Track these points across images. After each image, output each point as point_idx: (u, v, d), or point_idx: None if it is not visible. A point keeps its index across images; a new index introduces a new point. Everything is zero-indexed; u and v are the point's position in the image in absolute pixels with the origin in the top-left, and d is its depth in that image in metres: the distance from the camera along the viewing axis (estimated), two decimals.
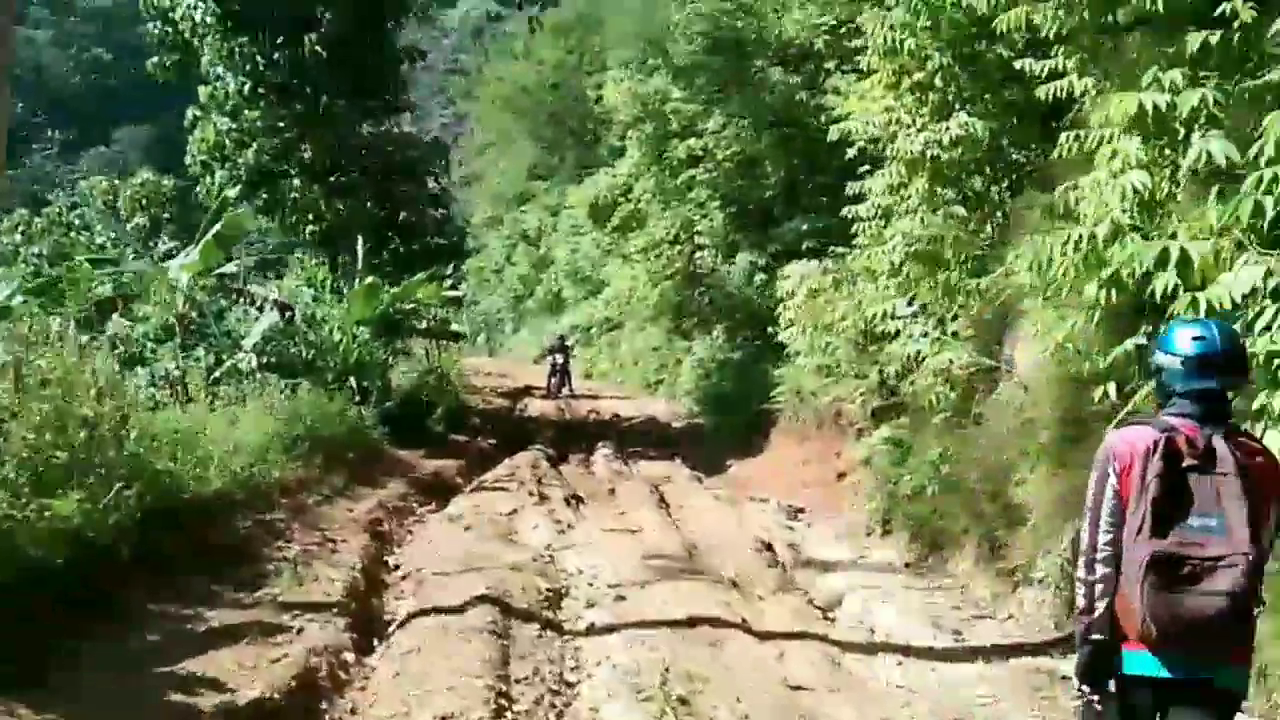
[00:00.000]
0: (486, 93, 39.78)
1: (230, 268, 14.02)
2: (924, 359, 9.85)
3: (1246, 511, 3.09)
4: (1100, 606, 3.25)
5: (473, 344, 26.70)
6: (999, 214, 10.48)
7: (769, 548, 9.67)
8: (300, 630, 6.31)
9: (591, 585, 8.04)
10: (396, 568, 9.04)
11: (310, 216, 18.79)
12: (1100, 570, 3.25)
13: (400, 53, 18.78)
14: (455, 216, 20.74)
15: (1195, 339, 3.30)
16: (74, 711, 4.91)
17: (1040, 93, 9.47)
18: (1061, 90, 9.68)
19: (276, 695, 5.11)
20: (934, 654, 6.41)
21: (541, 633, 6.53)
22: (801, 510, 12.03)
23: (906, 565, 9.13)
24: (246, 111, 17.84)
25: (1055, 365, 7.60)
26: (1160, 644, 3.15)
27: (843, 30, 18.08)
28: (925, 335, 9.79)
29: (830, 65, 18.12)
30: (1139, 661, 3.22)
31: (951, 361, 9.04)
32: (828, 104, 17.45)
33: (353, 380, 14.90)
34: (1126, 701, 3.27)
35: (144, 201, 24.20)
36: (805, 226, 17.33)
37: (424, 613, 6.80)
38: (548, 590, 7.71)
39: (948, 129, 10.28)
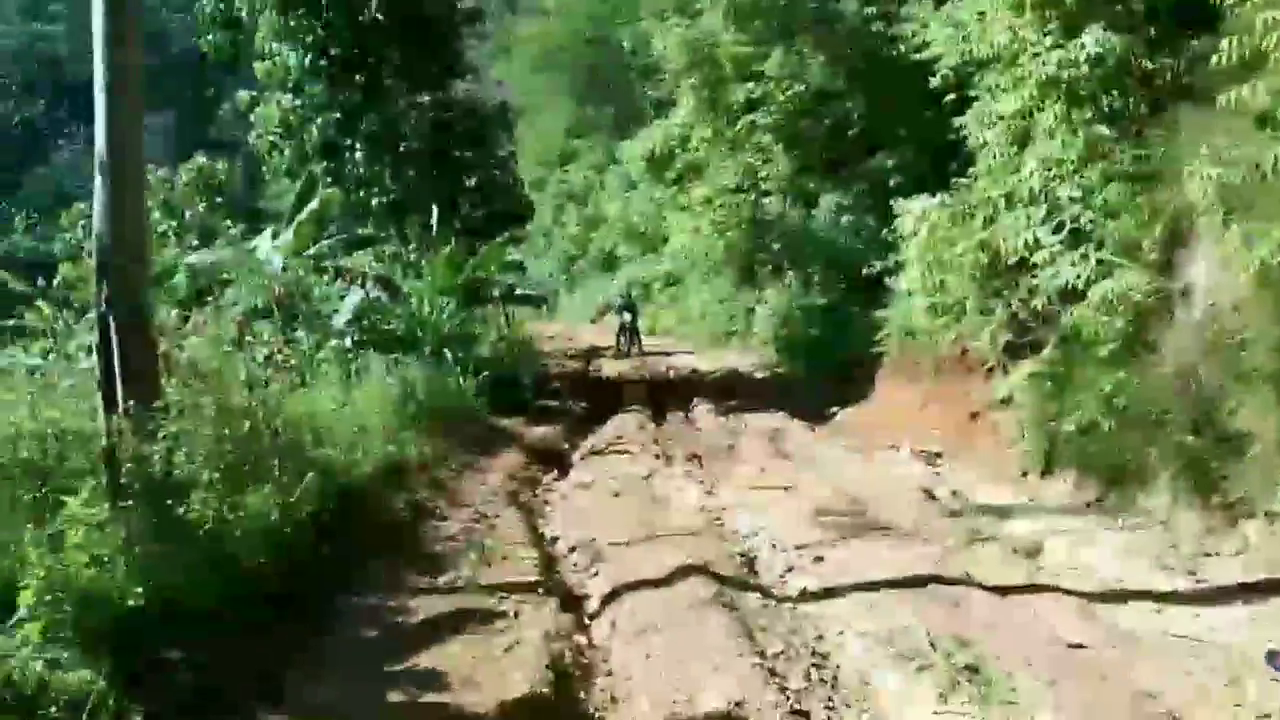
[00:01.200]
0: (519, 53, 39.12)
1: (322, 246, 13.69)
2: (1078, 288, 9.40)
3: None
4: None
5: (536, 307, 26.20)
6: (1143, 131, 9.97)
7: (932, 496, 9.28)
8: (516, 614, 6.02)
9: (775, 547, 7.70)
10: (554, 540, 8.75)
11: (376, 189, 18.40)
12: None
13: (460, 15, 18.25)
14: (520, 180, 20.26)
15: None
16: None
17: None
18: None
19: (544, 689, 4.79)
20: (1183, 598, 6.05)
21: (766, 602, 6.19)
22: (938, 455, 11.62)
23: (1088, 505, 8.72)
24: (308, 86, 17.41)
25: (1257, 285, 7.14)
26: None
27: None
28: (1080, 262, 9.30)
29: None
30: None
31: (1128, 288, 8.55)
32: (903, 33, 16.93)
33: (447, 351, 14.64)
34: None
35: (201, 186, 23.85)
36: (891, 163, 16.79)
37: (629, 587, 6.48)
38: (739, 555, 7.37)
39: (1082, 46, 9.76)
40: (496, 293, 19.05)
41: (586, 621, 6.27)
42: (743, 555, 7.44)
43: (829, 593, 6.36)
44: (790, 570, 7.06)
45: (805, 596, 6.43)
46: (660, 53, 24.29)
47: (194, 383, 6.61)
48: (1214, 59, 7.95)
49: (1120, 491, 8.64)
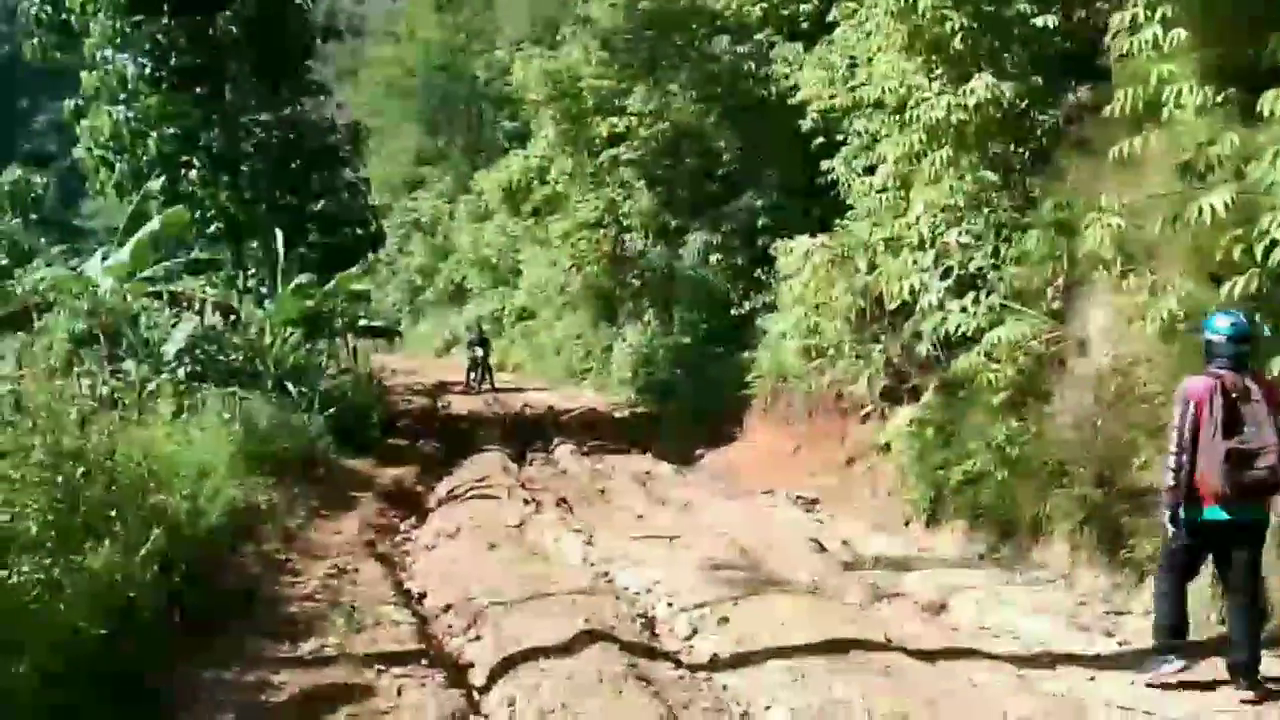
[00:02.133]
0: (369, 75, 37.84)
1: (158, 269, 12.50)
2: (967, 334, 9.27)
3: (1271, 420, 5.18)
4: (1182, 480, 5.28)
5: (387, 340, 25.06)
6: (1028, 179, 9.99)
7: (821, 547, 8.91)
8: (399, 691, 5.26)
9: (671, 605, 7.15)
10: (422, 597, 7.96)
11: (213, 210, 17.13)
12: (1184, 460, 5.26)
13: (315, 30, 17.24)
14: (372, 207, 19.29)
15: (1231, 323, 5.39)
16: None
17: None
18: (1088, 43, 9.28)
19: None
20: (1110, 662, 5.79)
21: (680, 673, 5.61)
22: (815, 501, 11.34)
23: (980, 557, 8.52)
24: (144, 97, 16.09)
25: (1160, 338, 7.04)
26: (1229, 501, 5.19)
27: None
28: (971, 308, 9.16)
29: (773, 36, 17.55)
30: (1214, 513, 5.27)
31: (1024, 336, 8.42)
32: (775, 74, 16.94)
33: (290, 385, 13.61)
34: (1201, 538, 5.37)
35: (13, 202, 21.81)
36: (761, 203, 16.65)
37: (524, 656, 5.79)
38: (636, 617, 6.78)
39: (972, 91, 9.72)
40: (342, 323, 18.03)
41: (476, 697, 5.55)
42: (641, 616, 6.84)
43: (744, 659, 5.84)
44: (695, 633, 6.51)
45: (718, 664, 5.89)
46: (519, 83, 23.76)
47: (18, 420, 5.63)
48: (1106, 109, 7.96)
49: (1013, 544, 8.47)
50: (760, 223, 16.60)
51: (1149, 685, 5.33)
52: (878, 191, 11.38)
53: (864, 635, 6.15)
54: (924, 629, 6.52)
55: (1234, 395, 5.22)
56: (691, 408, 17.28)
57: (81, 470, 5.89)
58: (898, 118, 11.10)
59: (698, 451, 15.46)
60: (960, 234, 9.62)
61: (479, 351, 24.21)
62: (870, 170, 13.30)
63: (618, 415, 19.89)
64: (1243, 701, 5.11)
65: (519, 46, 29.04)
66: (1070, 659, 5.86)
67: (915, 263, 9.97)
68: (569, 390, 23.55)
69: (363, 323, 19.96)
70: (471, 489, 12.35)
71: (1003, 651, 6.06)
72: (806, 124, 15.08)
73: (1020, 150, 10.07)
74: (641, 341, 20.49)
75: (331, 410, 13.64)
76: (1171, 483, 5.31)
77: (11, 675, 4.16)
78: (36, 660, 4.30)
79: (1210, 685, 5.31)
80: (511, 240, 28.66)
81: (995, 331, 8.77)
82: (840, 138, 14.34)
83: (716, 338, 17.54)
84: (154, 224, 11.33)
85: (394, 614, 6.73)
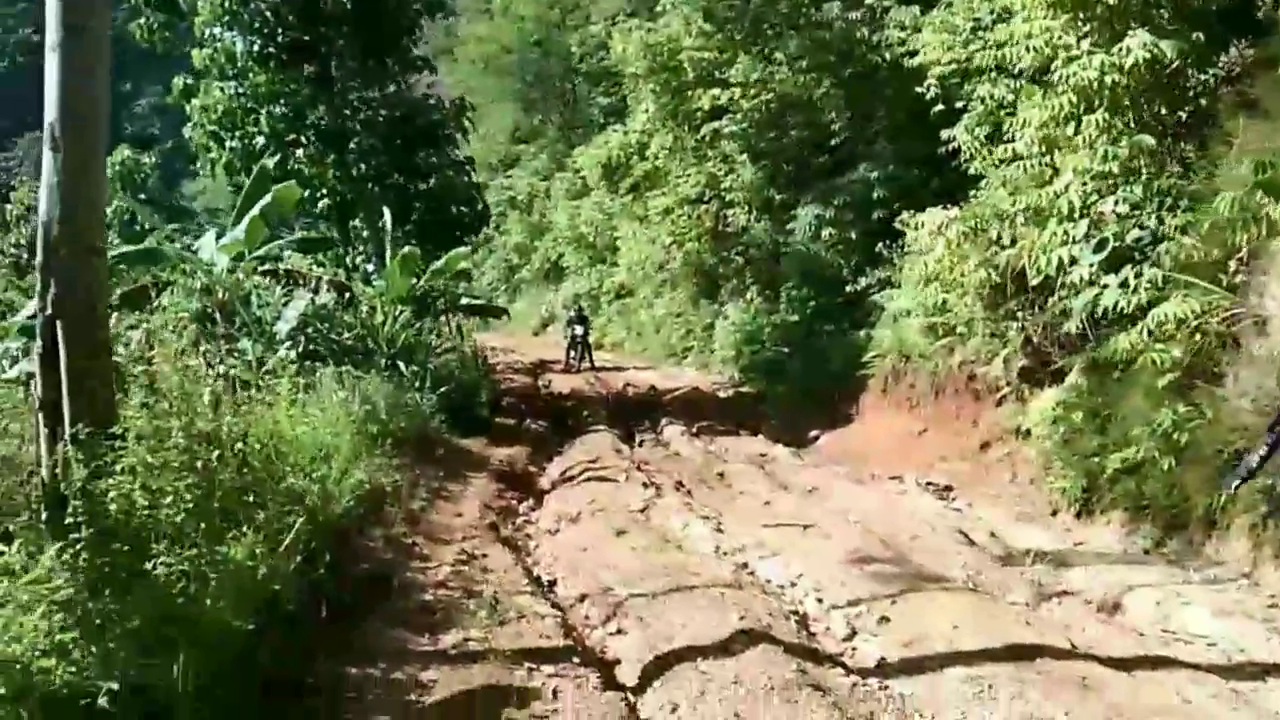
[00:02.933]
0: (464, 53, 37.77)
1: (273, 248, 12.42)
2: (1125, 311, 8.63)
3: None
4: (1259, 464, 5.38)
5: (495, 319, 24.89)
6: (1189, 143, 9.28)
7: (968, 539, 8.40)
8: (555, 694, 4.95)
9: (821, 602, 6.74)
10: (551, 584, 7.68)
11: (323, 188, 17.09)
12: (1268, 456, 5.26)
13: (421, 4, 17.04)
14: (478, 185, 19.11)
15: None
16: None
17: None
18: None
19: None
20: None
21: (854, 680, 5.20)
22: (949, 488, 10.77)
23: (1146, 552, 7.92)
24: (253, 75, 16.07)
25: None
26: None
27: None
28: (1133, 282, 8.52)
29: (886, 1, 16.84)
30: None
31: (1194, 312, 7.78)
32: (889, 39, 16.24)
33: (402, 365, 13.47)
34: None
35: (122, 182, 22.12)
36: (875, 175, 16.00)
37: (678, 656, 5.43)
38: (789, 614, 6.38)
39: (1128, 50, 9.04)
40: (450, 302, 17.88)
41: (631, 699, 5.21)
42: (793, 613, 6.44)
43: (916, 665, 5.41)
44: (854, 634, 6.09)
45: (888, 669, 5.47)
46: (618, 57, 23.36)
47: (154, 403, 5.43)
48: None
49: (1183, 538, 7.85)
50: (876, 195, 15.97)
51: None
52: (1013, 160, 10.71)
53: (1044, 640, 5.67)
54: (1107, 633, 6.00)
55: None
56: (801, 388, 16.77)
57: (216, 454, 5.69)
58: (1041, 80, 10.48)
59: (811, 433, 14.96)
60: (1117, 203, 8.97)
61: (579, 330, 23.95)
62: (994, 138, 12.67)
63: (722, 395, 19.47)
64: None
65: (615, 20, 28.67)
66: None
67: (1065, 234, 9.33)
68: (670, 369, 23.18)
69: (466, 301, 19.83)
70: (586, 471, 12.06)
71: (1201, 660, 5.52)
72: (927, 91, 14.41)
73: (1179, 112, 9.35)
74: (745, 319, 19.98)
75: (442, 389, 13.49)
76: (1255, 465, 5.43)
77: (168, 680, 3.91)
78: (191, 662, 4.07)
79: None
80: (609, 217, 28.34)
81: (1161, 308, 8.13)
82: (961, 105, 13.68)
83: (828, 315, 16.97)
84: (266, 200, 11.19)
85: (534, 605, 6.43)
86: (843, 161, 17.39)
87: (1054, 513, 9.37)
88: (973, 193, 11.76)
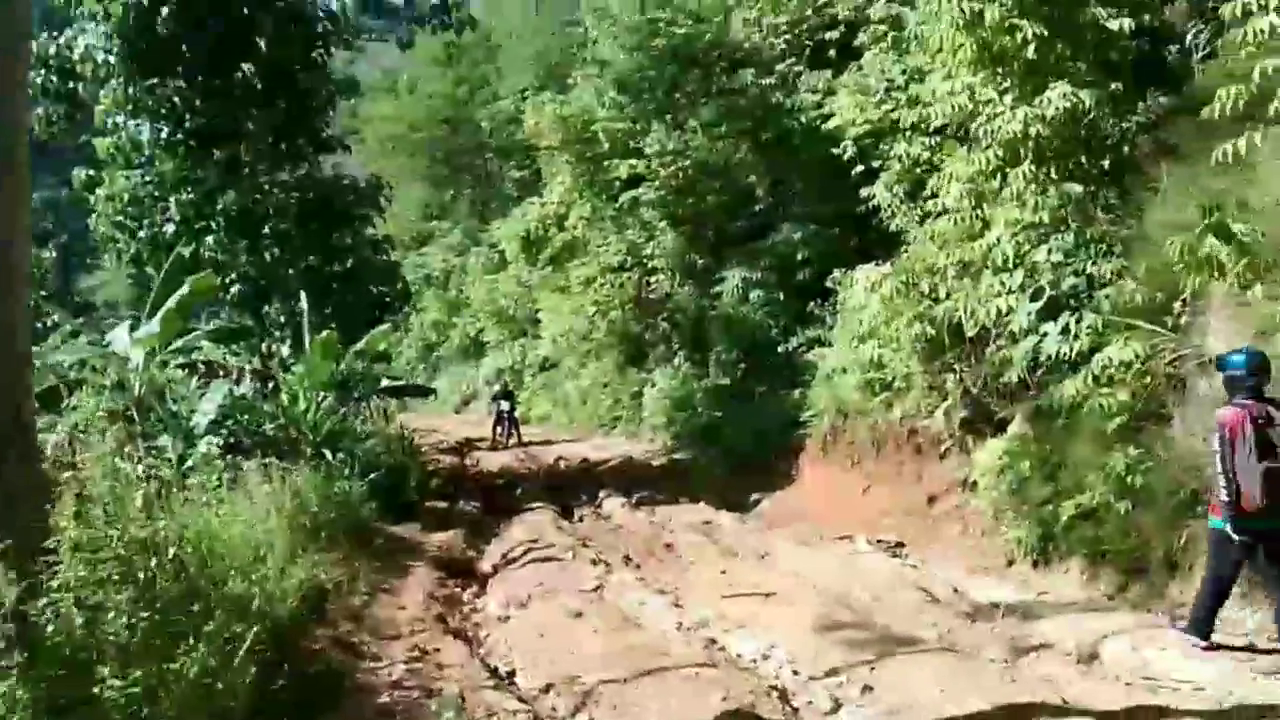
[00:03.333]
0: (371, 132, 37.46)
1: (190, 339, 11.92)
2: (1066, 358, 8.69)
3: None
4: (1232, 496, 6.06)
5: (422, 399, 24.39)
6: (1112, 191, 9.47)
7: (932, 596, 8.27)
8: None
9: (798, 674, 6.50)
10: (510, 676, 7.31)
11: (233, 274, 16.58)
12: (1233, 480, 6.03)
13: (334, 85, 16.78)
14: (397, 263, 18.77)
15: (1248, 358, 6.29)
16: None
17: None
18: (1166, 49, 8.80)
19: None
20: None
21: None
22: (900, 545, 10.68)
23: (1110, 598, 7.88)
24: (160, 163, 15.61)
25: None
26: (1263, 513, 5.98)
27: (803, 28, 17.20)
28: (1074, 328, 8.59)
29: (796, 66, 17.16)
30: (1254, 523, 6.05)
31: (1138, 355, 7.83)
32: (803, 103, 16.50)
33: (328, 453, 13.00)
34: (1244, 542, 6.11)
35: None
36: (799, 235, 16.12)
37: None
38: (770, 691, 6.13)
39: (1049, 102, 9.23)
40: (373, 385, 17.42)
41: None
42: (773, 688, 6.19)
43: None
44: (839, 706, 5.86)
45: None
46: (531, 131, 23.38)
47: (87, 512, 5.02)
48: (1204, 110, 7.49)
49: (1145, 582, 7.82)
50: (800, 256, 16.08)
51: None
52: (940, 215, 10.83)
53: (1033, 697, 5.52)
54: (1093, 685, 5.88)
55: (1260, 421, 6.11)
56: (736, 451, 16.61)
57: (155, 562, 5.28)
58: (960, 136, 10.67)
59: (753, 497, 14.79)
60: (1050, 251, 9.08)
61: (504, 405, 23.56)
62: (914, 195, 12.86)
63: (655, 463, 19.21)
64: None
65: (524, 95, 28.76)
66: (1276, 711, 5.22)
67: (1001, 285, 9.41)
68: (600, 440, 22.86)
69: (389, 383, 19.36)
70: (529, 551, 11.71)
71: (1194, 706, 5.43)
72: (844, 153, 14.62)
73: (1102, 161, 9.54)
74: (674, 385, 19.83)
75: (371, 476, 13.03)
76: (1226, 498, 6.11)
77: None
78: None
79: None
80: (528, 290, 28.15)
81: (1105, 352, 8.20)
82: (879, 164, 13.91)
83: (759, 377, 16.91)
84: (183, 290, 10.75)
85: (501, 701, 6.08)
86: (764, 224, 17.50)
87: (1009, 563, 9.31)
88: (901, 249, 11.86)
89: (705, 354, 19.15)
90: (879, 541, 10.86)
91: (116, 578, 4.70)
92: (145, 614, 4.71)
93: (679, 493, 15.71)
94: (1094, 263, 8.80)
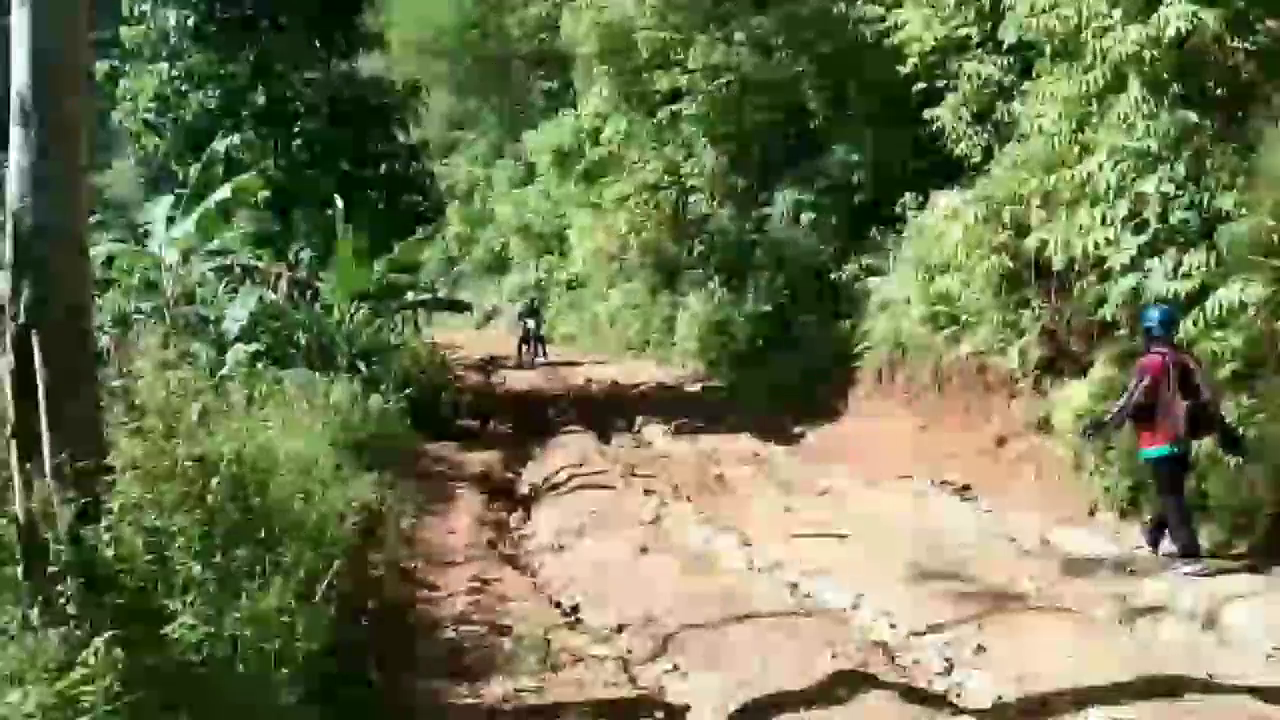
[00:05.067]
0: (398, 35, 36.13)
1: (227, 241, 11.34)
2: (1176, 297, 8.07)
3: (1207, 383, 6.98)
4: (1119, 420, 7.23)
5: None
6: (1232, 122, 8.75)
7: (1022, 547, 7.78)
8: None
9: (895, 628, 6.02)
10: (574, 610, 6.87)
11: (267, 175, 15.90)
12: (1125, 414, 7.12)
13: None
14: (432, 172, 18.03)
15: (1161, 314, 7.24)
16: None
17: None
18: None
19: None
20: None
21: None
22: (967, 487, 10.14)
23: (1213, 555, 7.35)
24: (188, 55, 14.84)
25: None
26: (1177, 441, 6.92)
27: None
28: (1184, 266, 7.97)
29: None
30: (1167, 450, 6.97)
31: (1260, 298, 7.23)
32: (868, 15, 15.59)
33: (362, 366, 12.53)
34: (1164, 469, 7.05)
35: None
36: (856, 158, 15.37)
37: (774, 705, 4.68)
38: (871, 644, 5.65)
39: (1166, 21, 8.47)
40: (410, 297, 16.87)
41: None
42: (883, 646, 5.71)
43: (1047, 707, 4.72)
44: (952, 667, 5.38)
45: (1009, 711, 4.77)
46: (569, 38, 22.41)
47: (147, 426, 4.50)
48: None
49: (1248, 537, 7.31)
50: (855, 179, 15.35)
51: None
52: (1022, 140, 10.11)
53: (1171, 669, 5.04)
54: (1236, 657, 5.37)
55: (1180, 368, 6.88)
56: (776, 382, 16.05)
57: (215, 482, 4.78)
58: (1056, 54, 9.91)
59: (797, 429, 14.23)
60: (1160, 182, 8.40)
61: (530, 323, 23.01)
62: (980, 119, 12.13)
63: (689, 389, 18.67)
64: None
65: (557, 1, 27.62)
66: None
67: (1104, 216, 8.74)
68: (629, 364, 22.30)
69: (418, 295, 18.77)
70: (573, 477, 11.26)
71: None
72: (908, 70, 13.75)
73: (1222, 88, 8.81)
74: (709, 310, 19.20)
75: (408, 390, 12.55)
76: (1109, 420, 7.32)
77: None
78: None
79: None
80: (556, 205, 27.36)
81: (1221, 293, 7.60)
82: (943, 83, 13.09)
83: (804, 305, 16.28)
84: (224, 192, 10.14)
85: (582, 645, 5.62)
86: (816, 145, 16.70)
87: (1091, 513, 8.79)
88: (970, 175, 11.14)
89: (743, 279, 18.47)
90: (944, 483, 10.36)
91: (176, 499, 4.18)
92: (211, 541, 4.21)
93: (716, 421, 15.20)
94: (1211, 196, 8.12)
